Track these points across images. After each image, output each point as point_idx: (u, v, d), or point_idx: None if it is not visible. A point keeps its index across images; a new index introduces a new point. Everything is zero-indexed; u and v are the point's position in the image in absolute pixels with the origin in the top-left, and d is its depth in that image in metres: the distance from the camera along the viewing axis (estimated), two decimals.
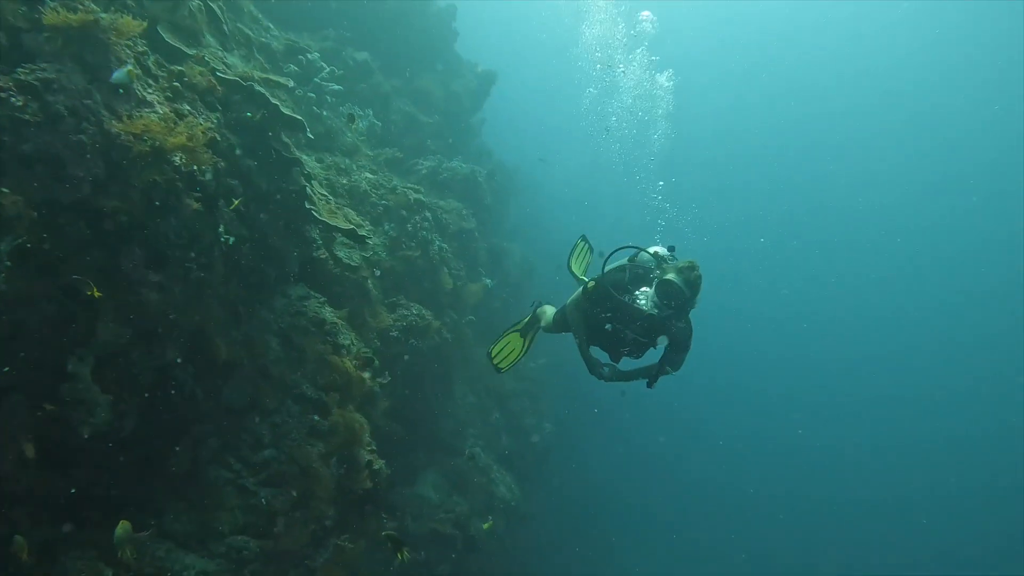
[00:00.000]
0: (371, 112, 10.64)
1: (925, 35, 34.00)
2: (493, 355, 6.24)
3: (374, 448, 6.20)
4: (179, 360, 4.65)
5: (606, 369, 4.86)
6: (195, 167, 4.28)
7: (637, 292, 4.60)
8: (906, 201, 41.36)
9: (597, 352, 5.02)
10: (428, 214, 9.27)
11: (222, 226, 4.77)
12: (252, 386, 5.46)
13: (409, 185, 9.45)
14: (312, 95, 8.93)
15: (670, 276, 4.31)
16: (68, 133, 3.78)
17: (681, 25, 36.67)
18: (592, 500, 17.85)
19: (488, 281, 11.60)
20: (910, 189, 41.16)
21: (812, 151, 43.26)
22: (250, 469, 5.23)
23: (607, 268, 5.00)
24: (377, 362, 6.78)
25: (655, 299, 4.41)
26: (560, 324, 5.67)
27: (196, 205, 4.34)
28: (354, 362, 6.36)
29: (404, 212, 8.79)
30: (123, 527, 3.80)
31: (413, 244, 8.79)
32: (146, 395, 4.43)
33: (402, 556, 5.25)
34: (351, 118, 8.75)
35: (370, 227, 8.15)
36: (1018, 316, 35.96)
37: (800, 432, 29.47)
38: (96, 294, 3.73)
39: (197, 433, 4.99)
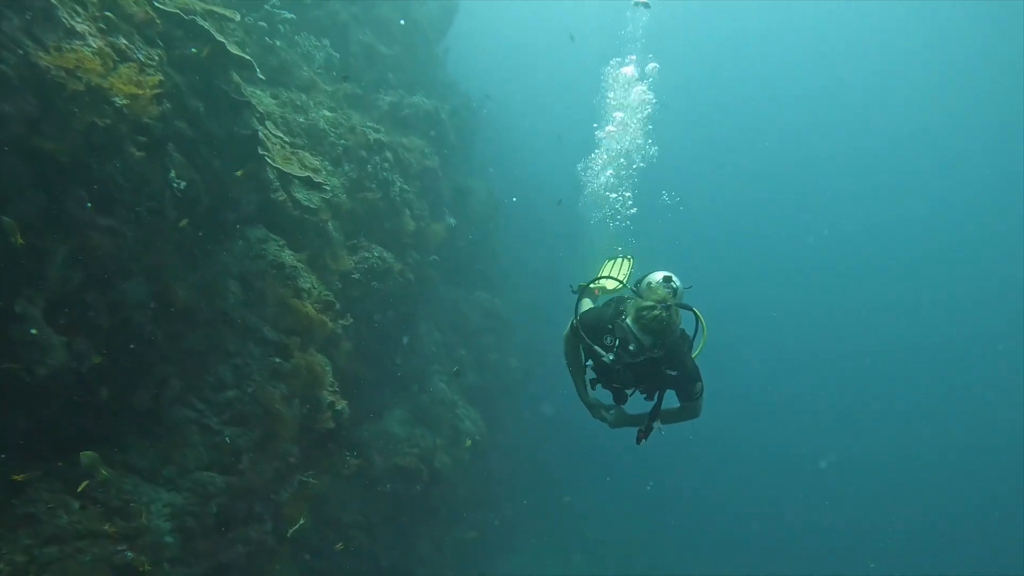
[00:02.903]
0: (328, 43, 10.22)
1: (926, 34, 32.55)
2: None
3: (336, 389, 6.36)
4: (135, 303, 4.66)
5: (610, 413, 4.14)
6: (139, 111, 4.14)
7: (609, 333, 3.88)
8: (906, 197, 40.53)
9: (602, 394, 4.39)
10: (389, 154, 9.13)
11: (172, 171, 4.67)
12: (212, 329, 5.51)
13: (369, 124, 9.24)
14: (263, 24, 8.54)
15: (627, 320, 3.53)
16: None
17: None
18: (555, 435, 18.39)
19: (451, 220, 11.59)
20: (910, 186, 40.39)
21: (808, 151, 42.15)
22: (213, 409, 5.36)
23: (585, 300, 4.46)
24: (338, 305, 6.85)
25: (616, 345, 3.72)
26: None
27: (140, 153, 4.23)
28: (315, 305, 6.43)
29: (364, 152, 8.64)
30: (88, 455, 3.93)
31: (374, 186, 8.69)
32: (104, 337, 4.45)
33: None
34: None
35: (329, 168, 8.03)
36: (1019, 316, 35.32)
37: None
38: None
39: (158, 374, 5.06)
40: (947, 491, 28.23)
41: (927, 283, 39.38)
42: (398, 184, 9.33)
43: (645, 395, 4.06)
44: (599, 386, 4.29)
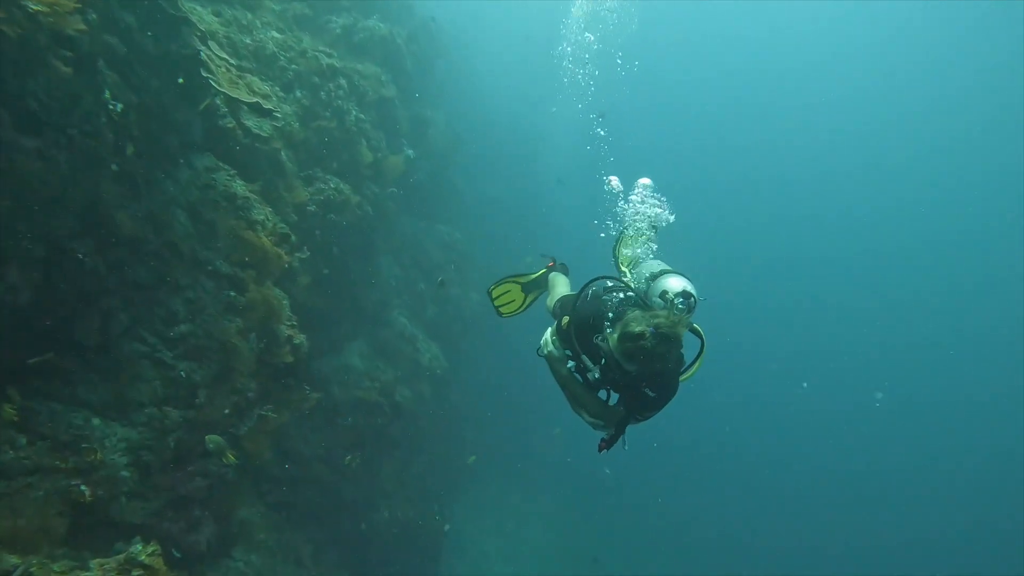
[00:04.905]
0: None
1: (926, 34, 31.22)
2: (493, 295, 5.15)
3: (295, 323, 6.25)
4: (73, 233, 4.41)
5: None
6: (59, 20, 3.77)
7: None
8: (905, 198, 39.33)
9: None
10: (343, 81, 8.69)
11: (107, 91, 4.33)
12: (161, 261, 5.28)
13: (321, 48, 8.72)
14: None
15: (612, 340, 3.04)
16: None
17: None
18: (517, 368, 18.57)
19: (410, 152, 11.25)
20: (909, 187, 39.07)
21: (806, 149, 40.80)
22: (166, 343, 5.21)
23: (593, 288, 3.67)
24: (294, 237, 6.65)
25: (603, 363, 3.25)
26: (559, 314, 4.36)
27: (67, 69, 3.89)
28: (270, 238, 6.21)
29: (317, 79, 8.19)
30: None
31: (328, 114, 8.29)
32: (40, 269, 4.21)
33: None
34: None
35: (280, 94, 7.61)
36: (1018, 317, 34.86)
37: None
38: None
39: (104, 307, 4.85)
40: (947, 495, 28.42)
41: (925, 281, 38.63)
42: (354, 113, 8.94)
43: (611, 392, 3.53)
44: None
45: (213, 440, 5.28)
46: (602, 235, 4.92)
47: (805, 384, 31.06)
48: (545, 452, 19.15)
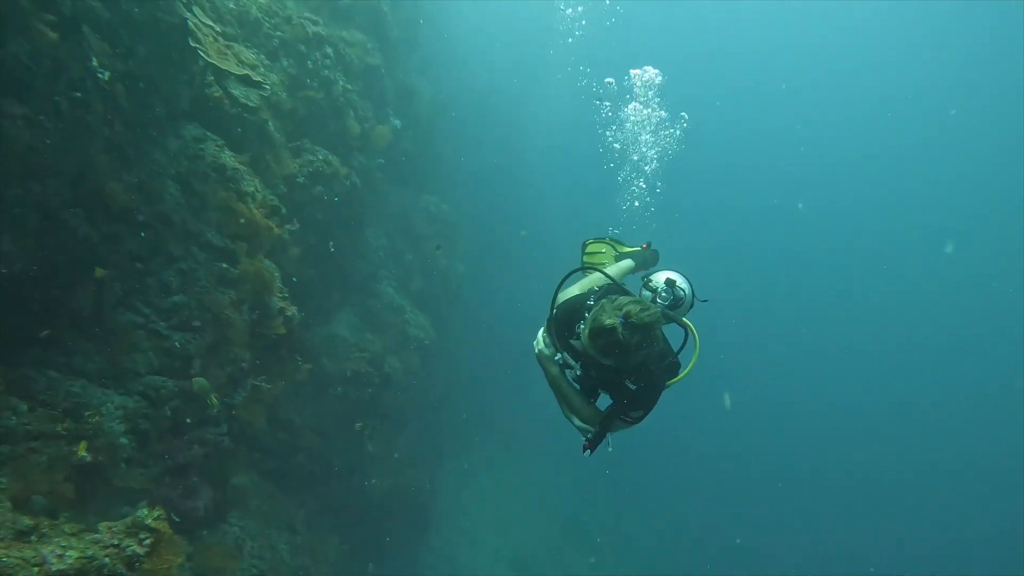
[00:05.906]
0: None
1: (927, 35, 30.81)
2: (587, 248, 4.78)
3: (286, 295, 6.30)
4: (65, 202, 4.40)
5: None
6: None
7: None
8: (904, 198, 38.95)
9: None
10: (329, 50, 8.56)
11: (94, 59, 4.28)
12: (153, 232, 5.28)
13: (306, 15, 8.56)
14: None
15: (584, 335, 2.80)
16: None
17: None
18: (505, 338, 18.68)
19: (397, 122, 11.17)
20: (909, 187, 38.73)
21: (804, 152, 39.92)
22: (160, 314, 5.25)
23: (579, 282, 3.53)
24: (284, 210, 6.65)
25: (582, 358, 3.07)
26: None
27: (53, 35, 3.84)
28: (260, 210, 6.22)
29: (303, 47, 8.07)
30: None
31: (315, 84, 8.20)
32: (33, 238, 4.21)
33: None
34: None
35: (267, 63, 7.50)
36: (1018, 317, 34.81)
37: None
38: None
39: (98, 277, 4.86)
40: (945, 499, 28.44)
41: (926, 280, 38.22)
42: (341, 83, 8.84)
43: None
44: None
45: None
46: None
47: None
48: (533, 421, 19.39)
